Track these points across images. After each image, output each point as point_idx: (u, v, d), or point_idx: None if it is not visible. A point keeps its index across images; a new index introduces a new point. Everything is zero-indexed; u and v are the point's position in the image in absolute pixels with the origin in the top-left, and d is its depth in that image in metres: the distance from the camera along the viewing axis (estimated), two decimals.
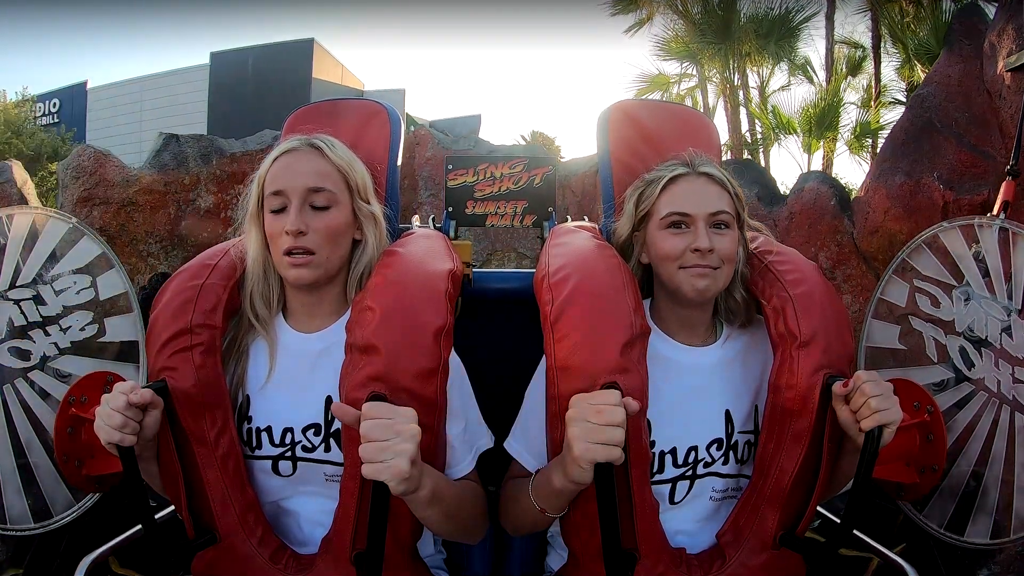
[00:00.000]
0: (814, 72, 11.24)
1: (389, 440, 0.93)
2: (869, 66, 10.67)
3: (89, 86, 23.49)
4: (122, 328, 1.70)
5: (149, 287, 2.95)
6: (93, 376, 1.38)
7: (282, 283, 1.24)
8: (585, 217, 1.54)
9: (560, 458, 1.05)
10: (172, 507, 1.22)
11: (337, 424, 1.16)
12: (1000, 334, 1.56)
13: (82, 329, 1.67)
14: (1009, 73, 2.29)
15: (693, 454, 1.21)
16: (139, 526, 1.31)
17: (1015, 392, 1.53)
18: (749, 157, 10.14)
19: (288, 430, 1.18)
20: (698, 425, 1.22)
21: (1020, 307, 1.55)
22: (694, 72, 11.53)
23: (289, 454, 1.18)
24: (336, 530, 1.11)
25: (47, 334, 1.65)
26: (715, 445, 1.21)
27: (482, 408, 1.26)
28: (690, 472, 1.21)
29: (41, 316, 1.64)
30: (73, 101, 22.88)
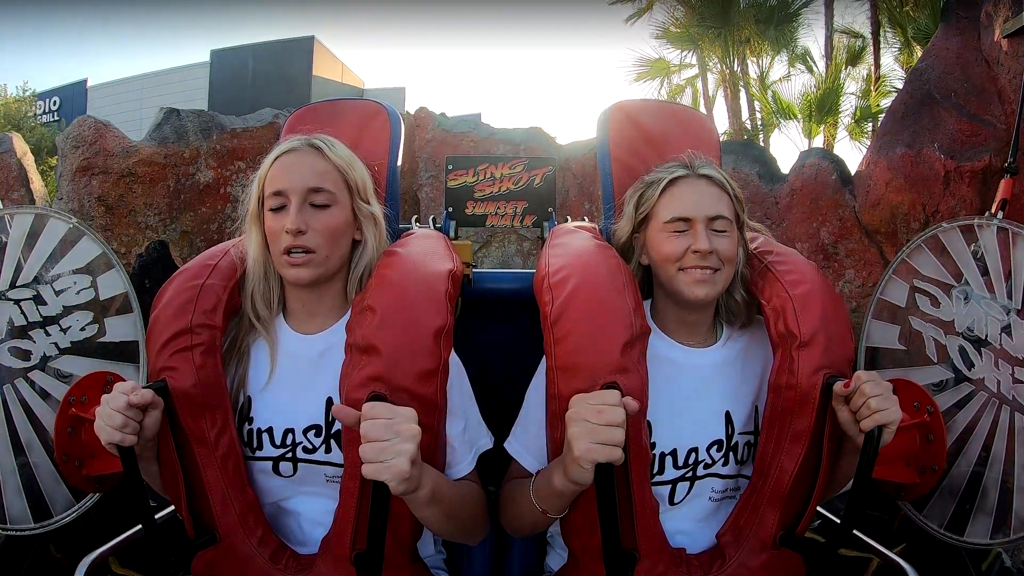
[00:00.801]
0: (814, 62, 11.28)
1: (389, 440, 0.94)
2: (869, 57, 10.69)
3: (89, 84, 23.48)
4: (122, 328, 1.70)
5: (146, 255, 2.95)
6: (93, 376, 1.38)
7: (282, 283, 1.24)
8: (585, 218, 1.54)
9: (560, 459, 1.05)
10: (172, 507, 1.22)
11: (338, 425, 1.16)
12: (1000, 334, 1.55)
13: (82, 329, 1.67)
14: (1006, 39, 2.29)
15: (693, 455, 1.21)
16: (139, 526, 1.31)
17: (1015, 392, 1.53)
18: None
19: (289, 431, 1.18)
20: (698, 426, 1.22)
21: (1020, 307, 1.55)
22: (694, 61, 11.56)
23: (290, 455, 1.18)
24: (336, 530, 1.11)
25: (47, 334, 1.64)
26: (715, 446, 1.22)
27: (482, 408, 1.26)
28: (690, 473, 1.21)
29: (41, 316, 1.64)
30: (73, 99, 22.85)
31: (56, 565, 1.80)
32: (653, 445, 1.19)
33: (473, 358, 1.25)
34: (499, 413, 1.27)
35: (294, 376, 1.21)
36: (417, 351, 1.08)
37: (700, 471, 1.21)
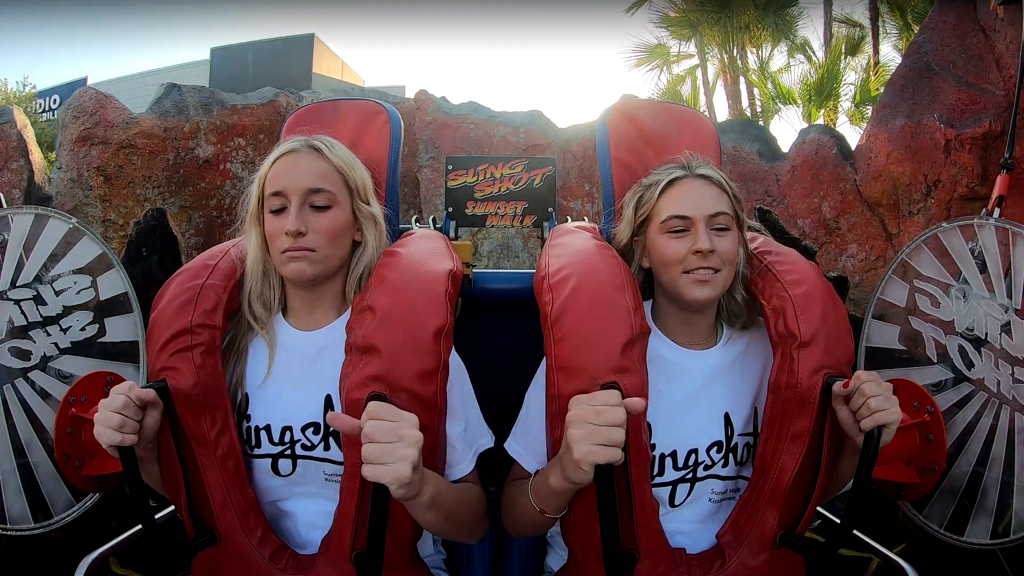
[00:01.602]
0: (813, 52, 11.30)
1: (393, 443, 0.93)
2: (868, 47, 10.70)
3: (89, 82, 23.49)
4: (122, 328, 1.70)
5: (144, 222, 2.94)
6: (93, 376, 1.38)
7: (282, 283, 1.24)
8: (585, 218, 1.54)
9: (558, 458, 1.05)
10: (172, 507, 1.22)
11: None
12: (1000, 334, 1.56)
13: (82, 329, 1.67)
14: (1002, 7, 2.31)
15: (693, 457, 1.21)
16: (139, 526, 1.31)
17: (1015, 392, 1.53)
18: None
19: (287, 428, 1.18)
20: (698, 428, 1.22)
21: (1019, 306, 1.55)
22: (693, 51, 11.59)
23: (288, 452, 1.18)
24: (336, 530, 1.11)
25: (47, 334, 1.65)
26: (715, 448, 1.22)
27: (482, 408, 1.25)
28: (690, 475, 1.21)
29: (41, 316, 1.64)
30: None
31: (56, 565, 1.80)
32: (653, 446, 1.19)
33: (473, 358, 1.25)
34: (499, 413, 1.27)
35: (292, 373, 1.21)
36: (417, 351, 1.08)
37: (700, 472, 1.21)
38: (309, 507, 1.20)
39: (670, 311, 1.26)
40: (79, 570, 1.20)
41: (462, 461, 1.18)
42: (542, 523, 1.16)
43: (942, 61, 2.57)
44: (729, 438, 1.22)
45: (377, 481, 0.93)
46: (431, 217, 1.63)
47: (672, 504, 1.21)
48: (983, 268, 1.58)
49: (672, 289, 1.20)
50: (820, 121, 9.93)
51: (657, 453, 1.19)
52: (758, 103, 10.90)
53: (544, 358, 1.16)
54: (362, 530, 1.04)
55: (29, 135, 3.47)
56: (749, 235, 1.33)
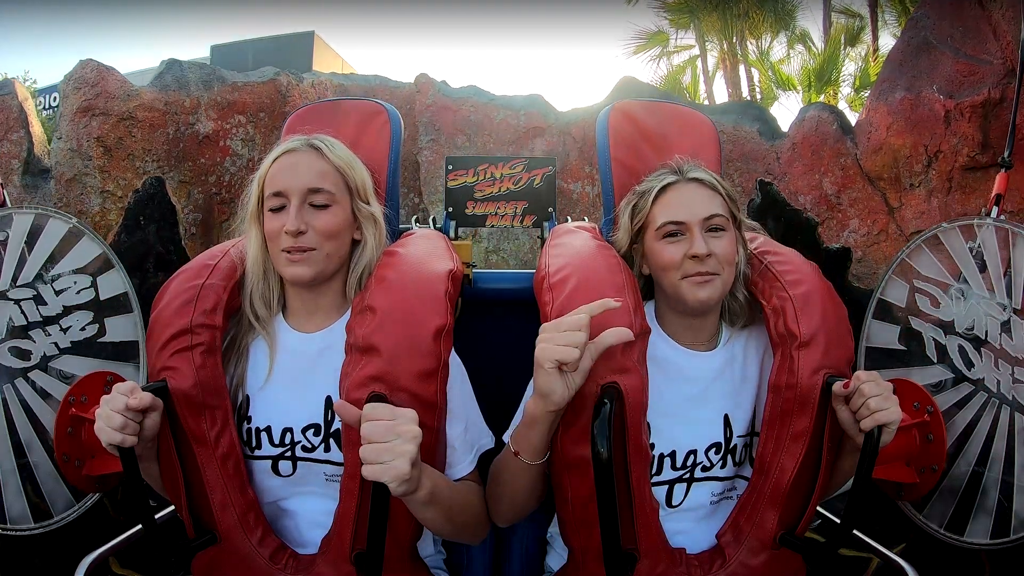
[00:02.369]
0: (812, 43, 11.31)
1: (390, 442, 0.93)
2: (867, 37, 10.72)
3: None
4: (122, 328, 1.70)
5: (142, 191, 2.94)
6: (93, 376, 1.38)
7: (282, 283, 1.24)
8: (585, 218, 1.54)
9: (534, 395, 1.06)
10: (172, 507, 1.22)
11: (337, 424, 1.16)
12: (1000, 334, 1.56)
13: (82, 329, 1.67)
14: None
15: (692, 457, 1.21)
16: (139, 526, 1.31)
17: (1015, 392, 1.53)
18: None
19: (288, 430, 1.18)
20: (698, 429, 1.22)
21: (1019, 306, 1.55)
22: (693, 41, 11.62)
23: (289, 454, 1.18)
24: (336, 530, 1.11)
25: (47, 334, 1.64)
26: (713, 449, 1.22)
27: (482, 408, 1.26)
28: (688, 475, 1.21)
29: (41, 316, 1.64)
30: None
31: (56, 565, 1.80)
32: (652, 446, 1.19)
33: (473, 358, 1.25)
34: (499, 413, 1.27)
35: (293, 375, 1.21)
36: (417, 351, 1.08)
37: (698, 473, 1.21)
38: (309, 506, 1.20)
39: (672, 314, 1.25)
40: (79, 570, 1.20)
41: (462, 461, 1.18)
42: (520, 481, 1.13)
43: (940, 35, 2.57)
44: (728, 439, 1.22)
45: (377, 480, 0.93)
46: (431, 217, 1.63)
47: (670, 504, 1.21)
48: (983, 268, 1.58)
49: (673, 294, 1.20)
50: None
51: (656, 453, 1.19)
52: (758, 91, 10.93)
53: None
54: (362, 530, 1.04)
55: (30, 108, 3.48)
56: (749, 235, 1.33)
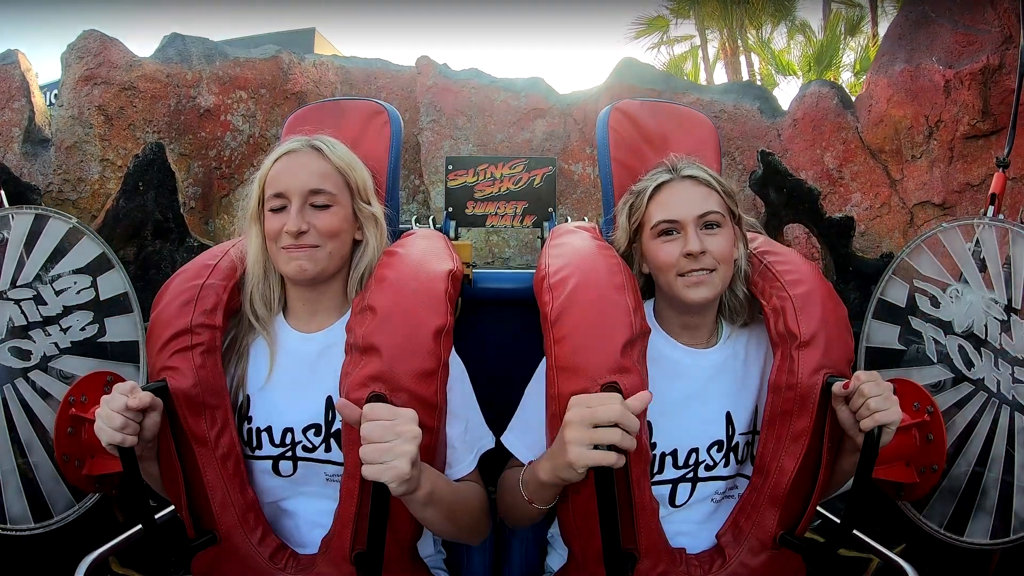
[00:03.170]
0: (812, 33, 11.33)
1: (390, 442, 0.93)
2: (867, 27, 10.74)
3: None
4: (122, 328, 1.70)
5: (142, 155, 2.90)
6: (93, 376, 1.38)
7: (282, 283, 1.24)
8: (585, 218, 1.54)
9: (551, 453, 1.05)
10: (172, 507, 1.22)
11: (337, 424, 1.16)
12: (1000, 334, 1.56)
13: (82, 329, 1.67)
14: None
15: (694, 456, 1.21)
16: (139, 526, 1.31)
17: (1015, 392, 1.53)
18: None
19: (288, 430, 1.18)
20: (699, 427, 1.22)
21: (1019, 306, 1.55)
22: (694, 32, 11.65)
23: (289, 454, 1.18)
24: (336, 530, 1.11)
25: (47, 334, 1.64)
26: (715, 447, 1.22)
27: (482, 408, 1.25)
28: (691, 475, 1.21)
29: (41, 316, 1.64)
30: None
31: (56, 565, 1.80)
32: (654, 445, 1.19)
33: (473, 358, 1.25)
34: (499, 413, 1.27)
35: (293, 375, 1.21)
36: (417, 351, 1.08)
37: (701, 472, 1.21)
38: (310, 506, 1.20)
39: (671, 312, 1.26)
40: (79, 570, 1.20)
41: (463, 461, 1.18)
42: (532, 514, 1.16)
43: (938, 8, 2.59)
44: (730, 437, 1.22)
45: (377, 480, 0.93)
46: (431, 217, 1.63)
47: (673, 504, 1.21)
48: (983, 268, 1.58)
49: (670, 292, 1.20)
50: None
51: (657, 452, 1.19)
52: (758, 78, 10.96)
53: (544, 358, 1.16)
54: (362, 530, 1.04)
55: (32, 78, 3.48)
56: (749, 235, 1.33)
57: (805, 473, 1.14)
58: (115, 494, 1.36)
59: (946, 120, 2.57)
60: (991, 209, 1.68)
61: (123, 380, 1.20)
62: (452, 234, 1.66)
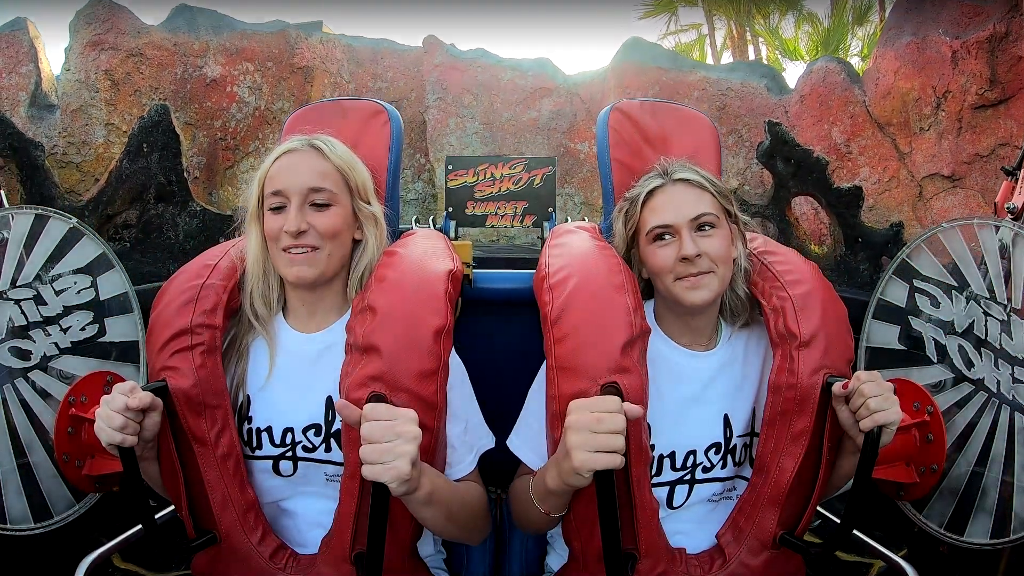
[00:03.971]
0: (819, 22, 11.31)
1: (390, 442, 0.93)
2: (875, 16, 10.72)
3: None
4: (122, 328, 1.70)
5: (147, 117, 2.88)
6: (93, 376, 1.38)
7: (282, 282, 1.24)
8: (585, 218, 1.54)
9: (556, 460, 1.05)
10: (172, 507, 1.22)
11: (337, 424, 1.16)
12: (1000, 334, 1.55)
13: (82, 329, 1.67)
14: None
15: (692, 458, 1.21)
16: (139, 526, 1.31)
17: (1015, 392, 1.53)
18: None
19: (288, 430, 1.18)
20: (698, 429, 1.22)
21: (1020, 306, 1.55)
22: (702, 20, 11.72)
23: (290, 454, 1.18)
24: (336, 530, 1.11)
25: (47, 334, 1.64)
26: (713, 449, 1.22)
27: (482, 408, 1.25)
28: (688, 476, 1.21)
29: (41, 316, 1.64)
30: None
31: (56, 565, 1.80)
32: (652, 447, 1.19)
33: (473, 358, 1.25)
34: (499, 413, 1.27)
35: (293, 375, 1.21)
36: (417, 351, 1.08)
37: (699, 474, 1.21)
38: (310, 507, 1.20)
39: (671, 314, 1.26)
40: (79, 570, 1.20)
41: (462, 461, 1.18)
42: (546, 521, 1.16)
43: None
44: (728, 440, 1.22)
45: (377, 480, 0.93)
46: (431, 217, 1.63)
47: (671, 506, 1.21)
48: (983, 268, 1.58)
49: (670, 296, 1.20)
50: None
51: (656, 454, 1.19)
52: (765, 62, 10.98)
53: (545, 359, 1.16)
54: (362, 530, 1.04)
55: (40, 45, 3.50)
56: (749, 235, 1.33)
57: (805, 473, 1.14)
58: (117, 490, 1.36)
59: (954, 91, 2.55)
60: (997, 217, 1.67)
61: (123, 380, 1.21)
62: (452, 234, 1.66)
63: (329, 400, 1.18)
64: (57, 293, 1.65)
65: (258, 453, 1.19)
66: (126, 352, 1.70)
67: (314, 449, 1.18)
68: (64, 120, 3.68)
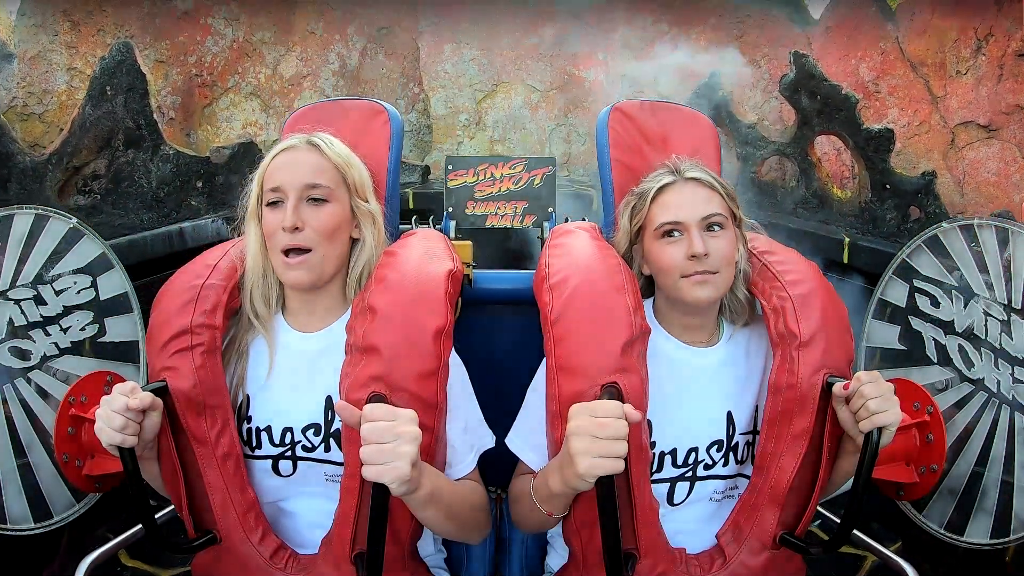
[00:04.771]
0: None
1: (390, 443, 0.93)
2: None
3: None
4: (122, 328, 1.71)
5: (109, 57, 2.68)
6: (93, 376, 1.39)
7: (281, 282, 1.25)
8: (584, 217, 1.54)
9: (558, 463, 1.05)
10: (172, 507, 1.22)
11: (337, 424, 1.16)
12: (1000, 334, 1.55)
13: (82, 329, 1.67)
14: None
15: (693, 455, 1.21)
16: (139, 526, 1.31)
17: (1015, 392, 1.53)
18: None
19: (288, 430, 1.19)
20: (699, 426, 1.22)
21: (1020, 307, 1.55)
22: None
23: (289, 454, 1.19)
24: (336, 530, 1.11)
25: (47, 334, 1.64)
26: (715, 446, 1.22)
27: (482, 408, 1.26)
28: (690, 473, 1.21)
29: (41, 316, 1.64)
30: None
31: (56, 565, 1.80)
32: (653, 444, 1.19)
33: (473, 358, 1.25)
34: (499, 413, 1.27)
35: (293, 374, 1.21)
36: (417, 351, 1.08)
37: (700, 471, 1.21)
38: (310, 507, 1.20)
39: (672, 312, 1.26)
40: (79, 570, 1.20)
41: (462, 461, 1.18)
42: (546, 522, 1.16)
43: None
44: (730, 437, 1.22)
45: (377, 481, 0.93)
46: (431, 217, 1.63)
47: (671, 503, 1.21)
48: (983, 268, 1.58)
49: (673, 294, 1.20)
50: None
51: (656, 450, 1.19)
52: None
53: (545, 358, 1.16)
54: (362, 530, 1.04)
55: None
56: (749, 235, 1.33)
57: (805, 473, 1.14)
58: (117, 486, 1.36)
59: (997, 35, 2.30)
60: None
61: (123, 380, 1.21)
62: (452, 234, 1.66)
63: (328, 400, 1.18)
64: (57, 293, 1.66)
65: (258, 453, 1.20)
66: (126, 352, 1.70)
67: (313, 449, 1.18)
68: (23, 69, 3.31)
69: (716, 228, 1.18)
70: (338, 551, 1.10)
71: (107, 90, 2.67)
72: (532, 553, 1.41)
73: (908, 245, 1.68)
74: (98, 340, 1.68)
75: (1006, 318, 1.55)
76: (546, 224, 1.69)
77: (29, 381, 1.62)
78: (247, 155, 3.33)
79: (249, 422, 1.20)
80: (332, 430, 1.17)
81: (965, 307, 1.60)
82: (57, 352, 1.65)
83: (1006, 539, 1.51)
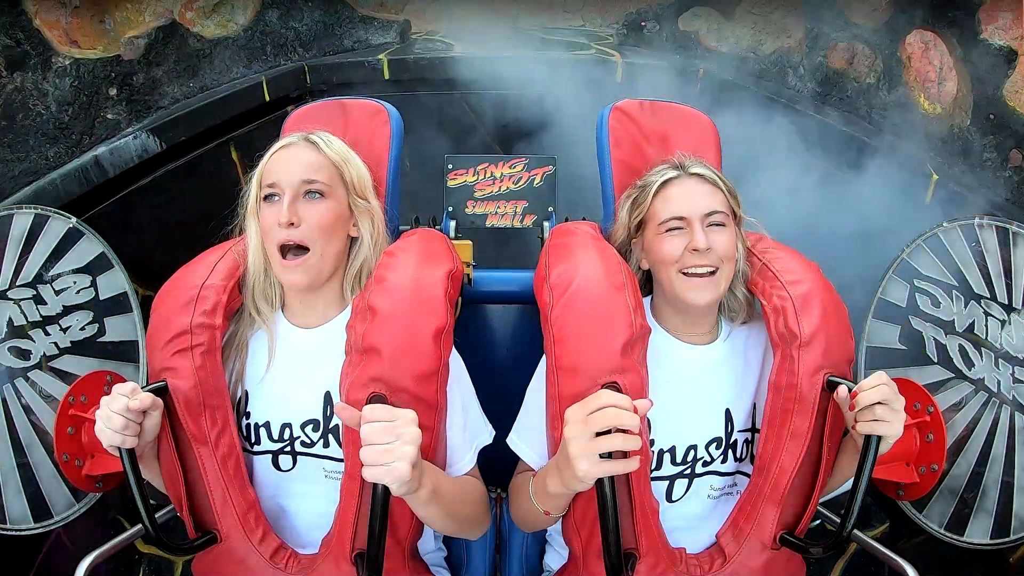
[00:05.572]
0: None
1: (390, 444, 0.93)
2: None
3: None
4: (122, 328, 1.71)
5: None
6: (93, 376, 1.38)
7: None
8: (584, 217, 1.54)
9: (556, 463, 1.04)
10: (172, 507, 1.22)
11: (336, 420, 1.16)
12: (1000, 334, 1.56)
13: (82, 329, 1.67)
14: None
15: (692, 453, 1.21)
16: (139, 526, 1.31)
17: (1015, 392, 1.53)
18: None
19: (286, 425, 1.19)
20: (698, 424, 1.22)
21: (1020, 307, 1.55)
22: None
23: (288, 449, 1.19)
24: (336, 530, 1.11)
25: (47, 334, 1.64)
26: (714, 444, 1.22)
27: (482, 407, 1.26)
28: (688, 471, 1.21)
29: (41, 316, 1.64)
30: None
31: (56, 565, 1.80)
32: (652, 442, 1.19)
33: (473, 358, 1.25)
34: (499, 413, 1.27)
35: (291, 369, 1.21)
36: (417, 352, 1.08)
37: (699, 468, 1.21)
38: (310, 507, 1.20)
39: (671, 309, 1.26)
40: (79, 570, 1.20)
41: (462, 459, 1.19)
42: (545, 521, 1.16)
43: None
44: (729, 434, 1.22)
45: (378, 482, 0.93)
46: (431, 217, 1.62)
47: (669, 499, 1.21)
48: (983, 268, 1.58)
49: (671, 291, 1.20)
50: None
51: (656, 448, 1.19)
52: None
53: (544, 357, 1.16)
54: (362, 530, 1.04)
55: None
56: (749, 235, 1.33)
57: (805, 473, 1.14)
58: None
59: None
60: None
61: (123, 380, 1.21)
62: (452, 234, 1.66)
63: (327, 396, 1.18)
64: (57, 293, 1.66)
65: (257, 448, 1.20)
66: (126, 352, 1.70)
67: (312, 444, 1.18)
68: None
69: (718, 225, 1.18)
70: (338, 551, 1.10)
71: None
72: (532, 552, 1.41)
73: (908, 245, 1.68)
74: (98, 340, 1.68)
75: (1006, 318, 1.55)
76: (546, 224, 1.69)
77: (29, 381, 1.62)
78: (170, 41, 2.47)
79: (248, 418, 1.20)
80: (331, 426, 1.17)
81: (965, 307, 1.59)
82: (57, 352, 1.65)
83: (1006, 539, 1.52)
